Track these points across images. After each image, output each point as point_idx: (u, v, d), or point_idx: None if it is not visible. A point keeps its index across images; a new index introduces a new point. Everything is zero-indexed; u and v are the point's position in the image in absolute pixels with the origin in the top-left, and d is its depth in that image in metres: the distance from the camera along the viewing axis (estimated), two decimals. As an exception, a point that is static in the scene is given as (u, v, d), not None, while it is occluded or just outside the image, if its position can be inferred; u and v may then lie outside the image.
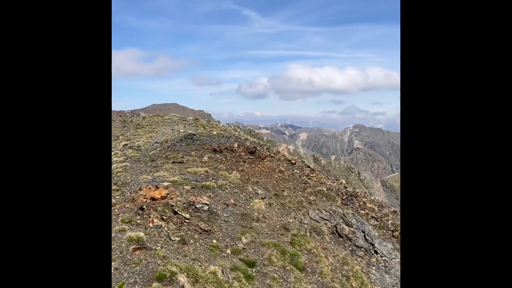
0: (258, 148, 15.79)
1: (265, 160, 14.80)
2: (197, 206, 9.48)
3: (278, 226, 9.94)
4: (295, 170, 14.75)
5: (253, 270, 7.53)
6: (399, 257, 10.71)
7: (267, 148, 16.87)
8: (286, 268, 7.90)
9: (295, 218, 10.74)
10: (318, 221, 10.92)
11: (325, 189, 13.61)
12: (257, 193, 11.67)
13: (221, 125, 37.69)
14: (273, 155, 15.68)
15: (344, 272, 8.86)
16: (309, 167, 16.24)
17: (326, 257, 9.11)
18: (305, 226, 10.43)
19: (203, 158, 14.55)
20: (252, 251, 8.27)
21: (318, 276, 8.23)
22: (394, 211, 14.80)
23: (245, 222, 9.54)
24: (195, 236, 8.20)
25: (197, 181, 11.66)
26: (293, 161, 15.73)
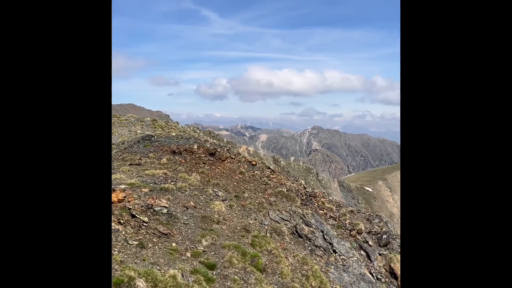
0: (219, 150, 15.70)
1: (226, 161, 14.73)
2: (156, 209, 9.27)
3: (238, 228, 9.92)
4: (256, 172, 14.79)
5: (214, 273, 7.46)
6: (357, 256, 10.99)
7: (227, 150, 16.81)
8: (247, 269, 7.89)
9: (255, 220, 10.76)
10: (278, 222, 11.00)
11: (285, 190, 13.74)
12: (218, 195, 11.59)
13: (180, 126, 37.17)
14: (233, 156, 15.64)
15: (304, 271, 8.97)
16: (269, 168, 16.34)
17: (286, 257, 9.18)
18: (266, 227, 10.47)
19: (162, 160, 14.27)
20: (213, 253, 8.19)
21: (279, 277, 8.28)
22: (352, 211, 15.19)
23: (205, 225, 9.44)
24: (154, 240, 8.01)
25: (155, 183, 11.41)
26: (253, 163, 15.77)
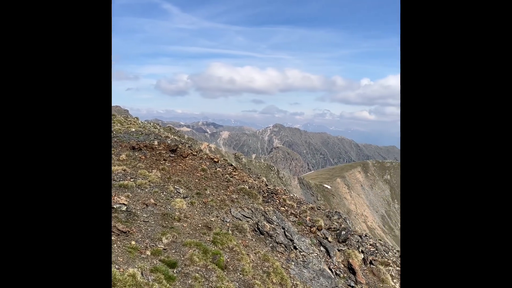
0: (180, 146, 15.49)
1: (187, 158, 14.55)
2: (114, 206, 9.01)
3: (200, 225, 9.83)
4: (218, 169, 14.72)
5: (174, 271, 7.35)
6: (316, 252, 11.19)
7: (189, 146, 16.61)
8: (208, 267, 7.83)
9: (217, 217, 10.70)
10: (240, 219, 11.00)
11: (247, 187, 13.76)
12: (179, 192, 11.42)
13: (139, 121, 36.33)
14: (195, 153, 15.48)
15: (265, 268, 9.03)
16: (231, 165, 16.30)
17: (247, 254, 9.20)
18: (228, 225, 10.44)
19: (121, 156, 13.88)
20: (173, 251, 8.07)
21: (240, 274, 8.28)
22: (312, 208, 15.45)
23: (166, 222, 9.28)
24: (112, 238, 7.78)
25: (114, 180, 11.09)
26: (215, 160, 15.68)
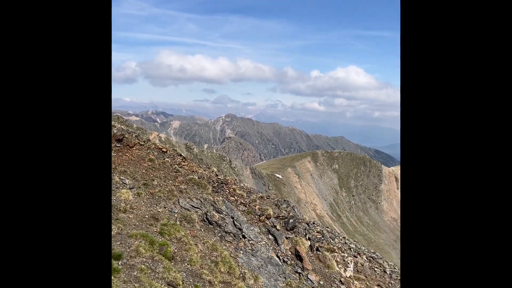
0: (126, 136, 15.04)
1: (134, 148, 14.18)
2: (55, 198, 8.61)
3: (147, 217, 9.65)
4: (166, 159, 14.47)
5: (119, 263, 7.17)
6: (265, 240, 11.37)
7: (136, 136, 16.18)
8: (155, 258, 7.72)
9: (165, 208, 10.55)
10: (188, 210, 10.92)
11: (196, 177, 13.65)
12: (125, 183, 11.12)
13: (85, 110, 34.84)
14: (142, 143, 15.11)
15: (213, 258, 9.04)
16: (180, 155, 16.09)
17: (196, 244, 9.16)
18: (176, 215, 10.33)
19: (63, 146, 13.28)
20: (119, 243, 7.87)
21: (188, 264, 8.24)
22: (261, 197, 15.64)
23: (111, 214, 9.02)
24: (52, 232, 7.46)
25: (55, 171, 10.60)
26: (164, 150, 15.40)
